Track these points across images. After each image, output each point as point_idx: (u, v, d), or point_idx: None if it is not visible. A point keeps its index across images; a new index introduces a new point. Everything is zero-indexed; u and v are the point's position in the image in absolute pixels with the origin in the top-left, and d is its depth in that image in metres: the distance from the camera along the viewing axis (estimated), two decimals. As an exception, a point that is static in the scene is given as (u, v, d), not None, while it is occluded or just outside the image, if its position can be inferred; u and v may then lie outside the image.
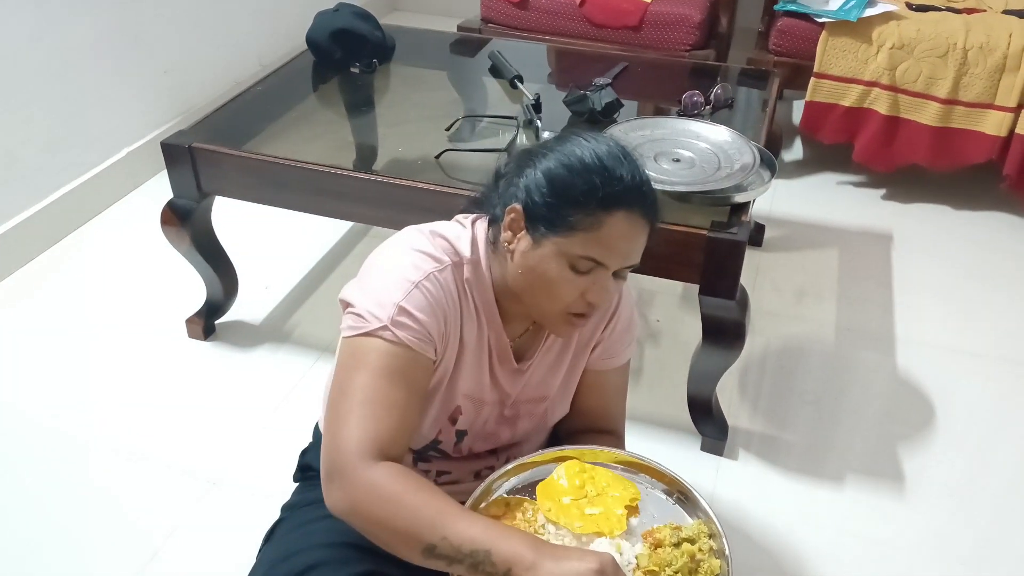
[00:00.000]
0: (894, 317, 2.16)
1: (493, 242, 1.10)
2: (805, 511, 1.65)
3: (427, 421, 1.15)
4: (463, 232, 1.12)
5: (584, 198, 1.00)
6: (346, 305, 1.06)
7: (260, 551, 1.19)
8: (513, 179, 1.07)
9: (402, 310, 1.01)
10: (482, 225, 1.13)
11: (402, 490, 0.94)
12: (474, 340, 1.11)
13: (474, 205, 1.16)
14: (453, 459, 1.20)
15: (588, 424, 1.28)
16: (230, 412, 1.83)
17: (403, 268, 1.05)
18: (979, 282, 2.30)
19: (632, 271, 1.12)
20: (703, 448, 1.77)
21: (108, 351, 2.00)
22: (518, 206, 1.04)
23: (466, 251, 1.09)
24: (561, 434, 1.31)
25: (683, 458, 1.75)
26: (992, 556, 1.57)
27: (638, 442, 1.67)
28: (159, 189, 1.84)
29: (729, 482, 1.70)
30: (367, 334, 1.01)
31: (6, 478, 1.68)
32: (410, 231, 1.13)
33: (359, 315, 1.03)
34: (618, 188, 1.00)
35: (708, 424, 1.76)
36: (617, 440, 1.30)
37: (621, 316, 1.22)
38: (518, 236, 1.05)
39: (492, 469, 1.20)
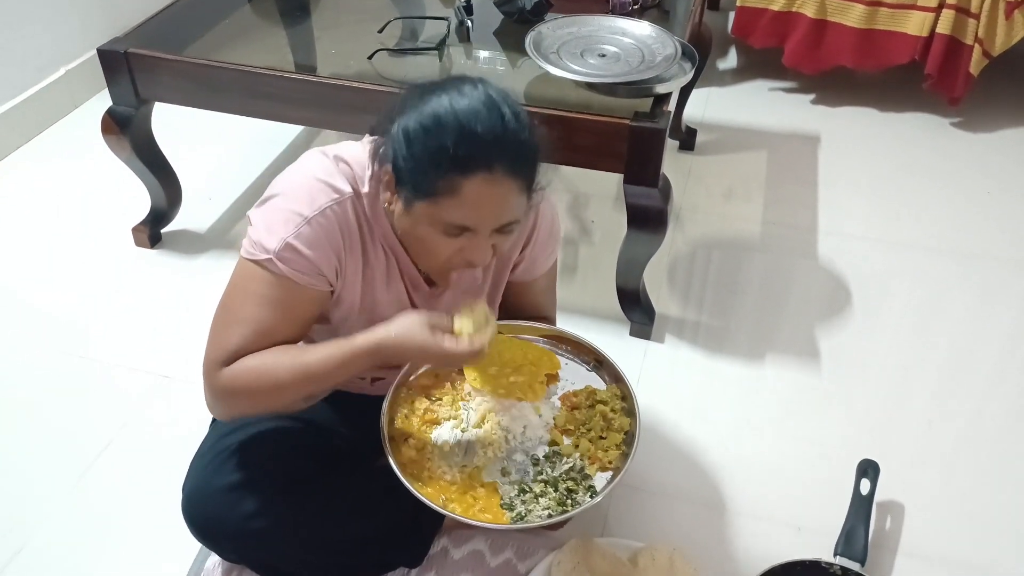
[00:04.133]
0: (818, 212, 2.27)
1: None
2: (726, 386, 1.77)
3: None
4: (367, 162, 1.09)
5: (438, 162, 0.96)
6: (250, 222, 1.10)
7: (211, 426, 1.27)
8: (388, 127, 1.03)
9: (288, 246, 1.03)
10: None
11: (252, 378, 1.04)
12: (383, 268, 1.14)
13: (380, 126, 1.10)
14: (389, 369, 1.24)
15: (522, 318, 1.34)
16: (178, 313, 1.89)
17: (299, 199, 1.05)
18: (902, 179, 2.42)
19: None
20: (632, 333, 1.87)
21: (56, 260, 2.04)
22: (389, 167, 1.02)
23: (365, 186, 1.08)
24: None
25: (612, 344, 1.81)
26: (900, 421, 1.70)
27: (571, 330, 1.77)
28: (101, 105, 1.85)
29: (655, 364, 1.81)
30: (255, 261, 1.05)
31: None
32: (315, 155, 1.12)
33: (252, 240, 1.06)
34: (473, 148, 0.95)
35: (636, 310, 1.86)
36: (549, 324, 1.36)
37: (540, 232, 1.22)
38: (393, 197, 1.04)
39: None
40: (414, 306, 1.20)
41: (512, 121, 0.97)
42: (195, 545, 1.32)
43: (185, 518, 1.18)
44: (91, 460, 1.56)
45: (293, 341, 1.10)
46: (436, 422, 1.17)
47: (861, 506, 1.41)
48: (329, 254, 1.07)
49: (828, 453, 1.61)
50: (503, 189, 0.98)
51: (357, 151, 1.11)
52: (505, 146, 0.96)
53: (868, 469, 1.48)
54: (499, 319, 1.36)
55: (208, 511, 1.17)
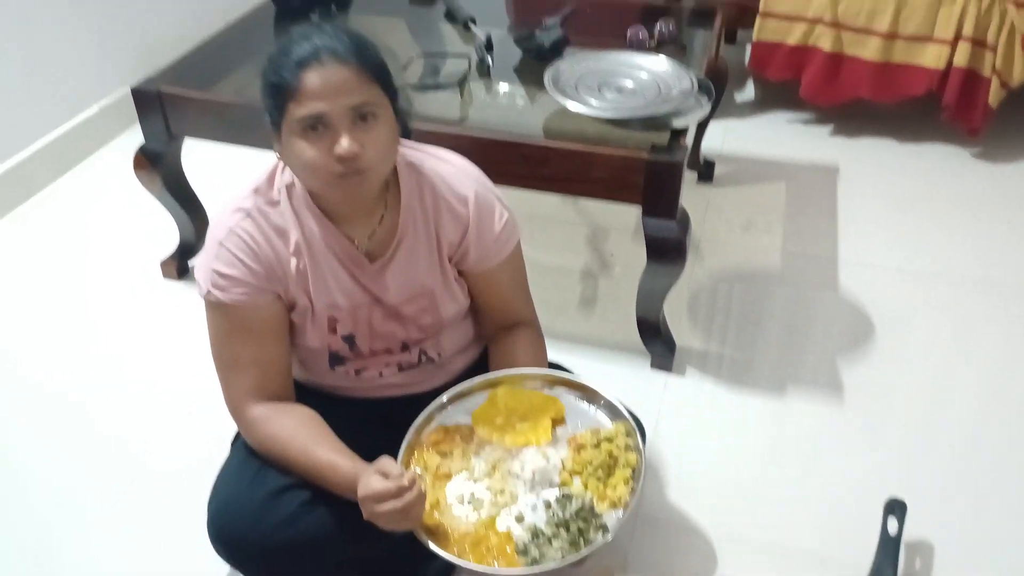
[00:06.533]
0: (839, 243, 2.27)
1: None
2: (748, 419, 1.76)
3: (313, 340, 1.24)
4: (279, 162, 1.19)
5: (277, 77, 1.07)
6: None
7: (233, 446, 1.29)
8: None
9: (214, 273, 1.15)
10: None
11: (266, 444, 1.19)
12: (317, 255, 1.19)
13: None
14: (365, 356, 1.28)
15: (498, 321, 1.35)
16: (203, 344, 1.91)
17: (214, 228, 1.18)
18: (923, 209, 2.41)
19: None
20: (653, 365, 1.87)
21: (87, 293, 2.09)
22: (266, 119, 1.12)
23: (279, 179, 1.19)
24: (483, 337, 1.39)
25: (633, 376, 1.85)
26: (926, 456, 1.68)
27: (592, 363, 1.80)
28: (130, 142, 1.91)
29: (676, 396, 1.81)
30: (204, 300, 1.19)
31: (-7, 410, 1.78)
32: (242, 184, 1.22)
33: (197, 281, 1.18)
34: (299, 52, 1.05)
35: (656, 342, 1.87)
36: (531, 329, 1.36)
37: (480, 221, 1.25)
38: (277, 144, 1.13)
39: (410, 363, 1.30)
40: (362, 287, 1.23)
41: (334, 29, 1.08)
42: (222, 569, 1.34)
43: (211, 535, 1.19)
44: (121, 489, 1.58)
45: (285, 355, 1.22)
46: (448, 476, 1.19)
47: (889, 546, 1.39)
48: (252, 267, 1.16)
49: (853, 487, 1.60)
50: (339, 72, 1.05)
51: (275, 161, 1.21)
52: (324, 39, 1.06)
53: (895, 508, 1.45)
54: (485, 335, 1.38)
55: (236, 525, 1.18)
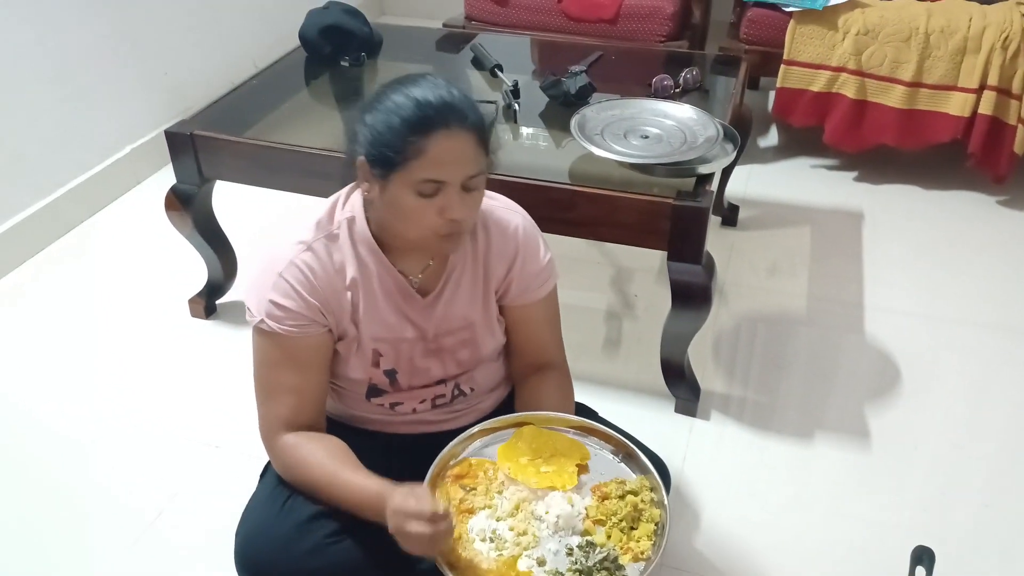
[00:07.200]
0: (864, 288, 2.26)
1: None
2: (774, 464, 1.75)
3: (356, 372, 1.26)
4: (339, 196, 1.25)
5: (403, 133, 1.10)
6: None
7: (263, 477, 1.30)
8: (354, 137, 1.18)
9: (272, 303, 1.17)
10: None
11: (292, 467, 1.20)
12: (370, 289, 1.23)
13: (346, 167, 1.25)
14: (403, 390, 1.30)
15: (528, 361, 1.37)
16: (229, 384, 1.93)
17: (270, 259, 1.20)
18: (949, 256, 2.40)
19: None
20: (677, 410, 1.86)
21: (115, 331, 2.12)
22: (362, 159, 1.15)
23: (339, 213, 1.23)
24: (512, 377, 1.40)
25: (658, 420, 1.84)
26: (954, 503, 1.66)
27: (616, 406, 1.78)
28: (160, 183, 1.96)
29: (702, 440, 1.80)
30: (255, 327, 1.20)
31: (21, 445, 1.79)
32: (294, 213, 1.25)
33: (247, 307, 1.20)
34: (429, 113, 1.10)
35: (681, 386, 1.86)
36: (560, 372, 1.38)
37: (526, 255, 1.30)
38: (370, 184, 1.17)
39: (444, 398, 1.31)
40: (411, 322, 1.25)
41: (456, 91, 1.14)
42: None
43: (238, 563, 1.19)
44: (143, 529, 1.58)
45: (324, 386, 1.24)
46: (471, 512, 1.18)
47: (918, 595, 1.36)
48: (308, 300, 1.18)
49: (880, 535, 1.57)
50: (462, 141, 1.11)
51: (332, 197, 1.25)
52: (454, 107, 1.11)
53: (923, 556, 1.42)
54: (514, 375, 1.38)
55: (265, 553, 1.17)
